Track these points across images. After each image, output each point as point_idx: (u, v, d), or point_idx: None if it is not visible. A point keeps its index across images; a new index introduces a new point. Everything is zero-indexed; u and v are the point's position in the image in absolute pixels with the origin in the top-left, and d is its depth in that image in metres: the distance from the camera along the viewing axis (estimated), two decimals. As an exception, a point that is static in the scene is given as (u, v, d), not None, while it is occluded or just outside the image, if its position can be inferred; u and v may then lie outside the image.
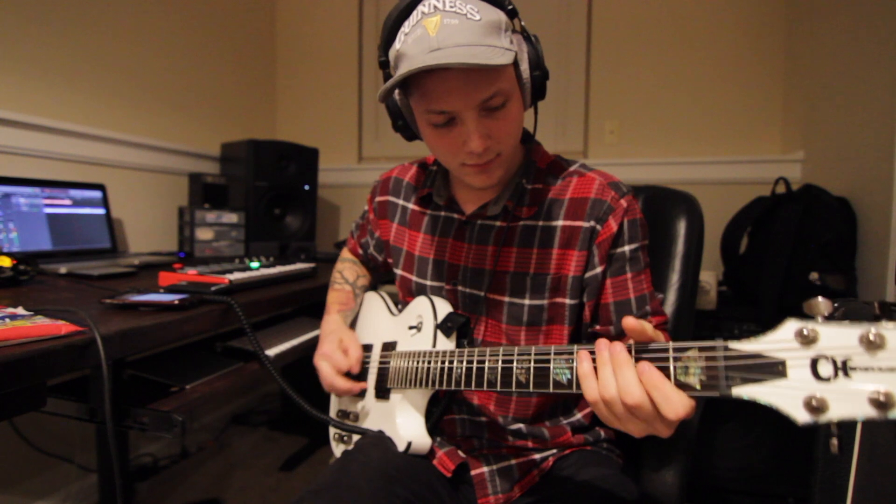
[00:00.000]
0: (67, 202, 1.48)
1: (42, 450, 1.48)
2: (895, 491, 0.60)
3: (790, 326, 0.42)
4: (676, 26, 2.05)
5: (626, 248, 0.75)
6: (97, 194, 1.58)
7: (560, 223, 0.76)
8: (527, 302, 0.77)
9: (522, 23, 0.68)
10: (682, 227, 0.96)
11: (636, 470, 0.83)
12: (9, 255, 1.06)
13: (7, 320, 0.69)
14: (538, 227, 0.77)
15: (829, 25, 1.65)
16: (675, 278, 0.94)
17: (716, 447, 1.53)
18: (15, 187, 1.36)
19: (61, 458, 1.57)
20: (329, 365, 0.84)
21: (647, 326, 0.51)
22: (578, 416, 0.84)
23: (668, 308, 0.93)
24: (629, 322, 0.50)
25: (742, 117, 1.99)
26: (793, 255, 1.47)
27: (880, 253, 1.34)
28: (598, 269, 0.75)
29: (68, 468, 1.60)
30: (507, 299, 0.78)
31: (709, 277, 1.59)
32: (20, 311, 0.76)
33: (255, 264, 1.28)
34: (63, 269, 1.21)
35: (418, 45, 0.60)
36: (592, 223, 0.74)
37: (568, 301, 0.77)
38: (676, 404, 0.46)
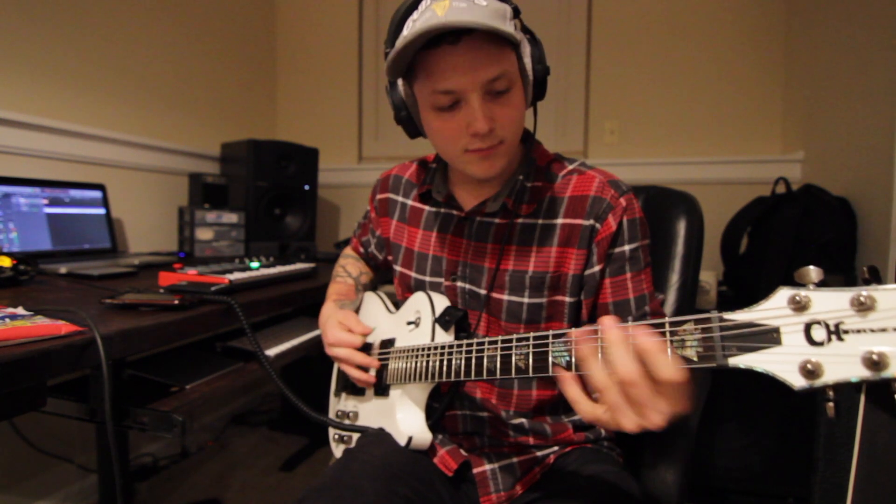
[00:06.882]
0: (67, 202, 1.48)
1: (42, 450, 1.48)
2: (895, 491, 0.60)
3: (783, 294, 0.42)
4: (676, 26, 2.05)
5: (626, 248, 0.75)
6: (97, 194, 1.58)
7: (560, 221, 0.76)
8: (526, 300, 0.77)
9: (524, 23, 0.69)
10: (682, 227, 0.96)
11: (636, 469, 0.83)
12: (9, 255, 1.06)
13: (7, 320, 0.69)
14: (537, 224, 0.77)
15: (829, 25, 1.65)
16: (675, 278, 0.94)
17: (716, 447, 1.53)
18: (15, 187, 1.35)
19: (61, 458, 1.56)
20: (344, 350, 0.82)
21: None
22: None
23: (668, 308, 0.93)
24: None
25: (742, 117, 1.99)
26: (793, 255, 1.47)
27: (880, 253, 1.34)
28: (597, 268, 0.75)
29: (68, 468, 1.60)
30: (505, 297, 0.78)
31: (709, 277, 1.59)
32: (20, 311, 0.76)
33: (255, 264, 1.28)
34: (63, 269, 1.21)
35: (426, 24, 0.61)
36: (592, 221, 0.74)
37: (567, 299, 0.77)
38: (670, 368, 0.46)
